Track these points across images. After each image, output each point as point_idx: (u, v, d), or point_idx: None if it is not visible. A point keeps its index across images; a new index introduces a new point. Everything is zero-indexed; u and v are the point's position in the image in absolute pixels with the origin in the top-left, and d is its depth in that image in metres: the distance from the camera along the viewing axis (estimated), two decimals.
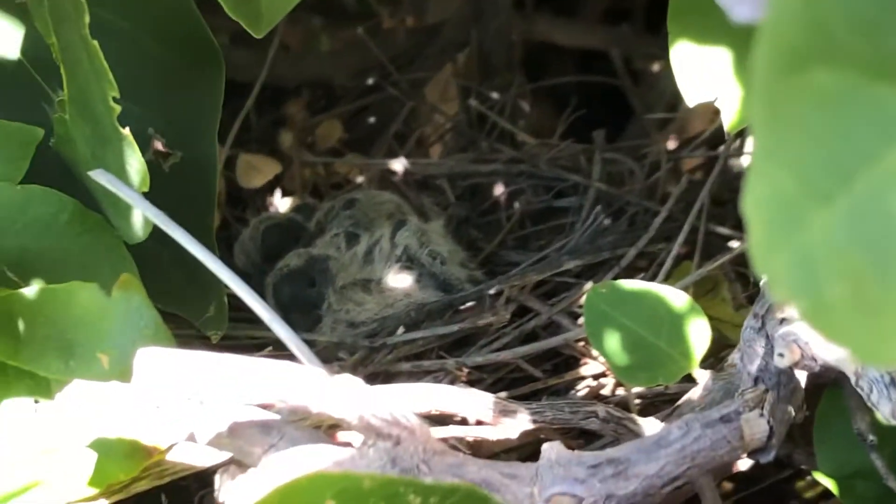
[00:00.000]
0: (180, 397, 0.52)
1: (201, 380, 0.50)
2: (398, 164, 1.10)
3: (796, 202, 0.33)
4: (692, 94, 0.66)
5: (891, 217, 0.31)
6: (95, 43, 0.57)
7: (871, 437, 0.65)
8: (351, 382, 0.53)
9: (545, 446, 0.57)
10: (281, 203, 1.11)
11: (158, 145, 0.74)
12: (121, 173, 0.61)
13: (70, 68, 0.62)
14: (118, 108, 0.59)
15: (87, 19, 0.57)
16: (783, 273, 0.34)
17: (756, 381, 0.62)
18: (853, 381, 0.58)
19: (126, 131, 0.59)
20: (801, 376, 0.63)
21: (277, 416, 0.56)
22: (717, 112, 0.66)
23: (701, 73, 0.65)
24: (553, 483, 0.56)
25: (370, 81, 1.21)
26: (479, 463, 0.57)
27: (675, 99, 1.17)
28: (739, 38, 0.63)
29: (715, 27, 0.65)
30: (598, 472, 0.57)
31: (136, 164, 0.60)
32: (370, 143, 1.18)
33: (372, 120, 1.21)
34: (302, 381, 0.51)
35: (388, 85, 1.19)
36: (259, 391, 0.51)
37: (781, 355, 0.58)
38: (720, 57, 0.65)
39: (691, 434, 0.58)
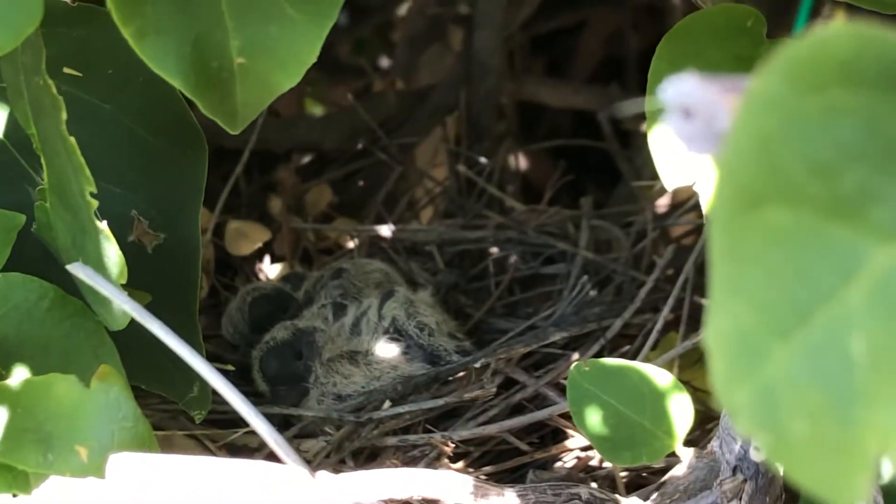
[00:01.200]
0: (155, 499, 0.52)
1: (174, 485, 0.50)
2: (387, 231, 1.10)
3: (757, 336, 0.33)
4: (670, 177, 0.66)
5: (847, 357, 0.31)
6: (73, 140, 0.58)
7: None
8: (326, 481, 0.53)
9: None
10: (270, 269, 1.11)
11: (142, 227, 0.74)
12: (99, 263, 0.61)
13: (49, 159, 0.62)
14: (95, 203, 0.59)
15: (64, 116, 0.57)
16: (745, 407, 0.34)
17: (735, 470, 0.61)
18: None
19: (103, 225, 0.60)
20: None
21: None
22: None
23: (679, 157, 0.65)
24: None
25: (360, 146, 1.21)
26: None
27: None
28: None
29: None
30: None
31: (114, 256, 0.60)
32: (360, 207, 1.18)
33: (362, 184, 1.21)
34: (275, 483, 0.51)
35: (377, 150, 1.19)
36: (232, 495, 0.51)
37: (758, 449, 0.58)
38: None
39: None
